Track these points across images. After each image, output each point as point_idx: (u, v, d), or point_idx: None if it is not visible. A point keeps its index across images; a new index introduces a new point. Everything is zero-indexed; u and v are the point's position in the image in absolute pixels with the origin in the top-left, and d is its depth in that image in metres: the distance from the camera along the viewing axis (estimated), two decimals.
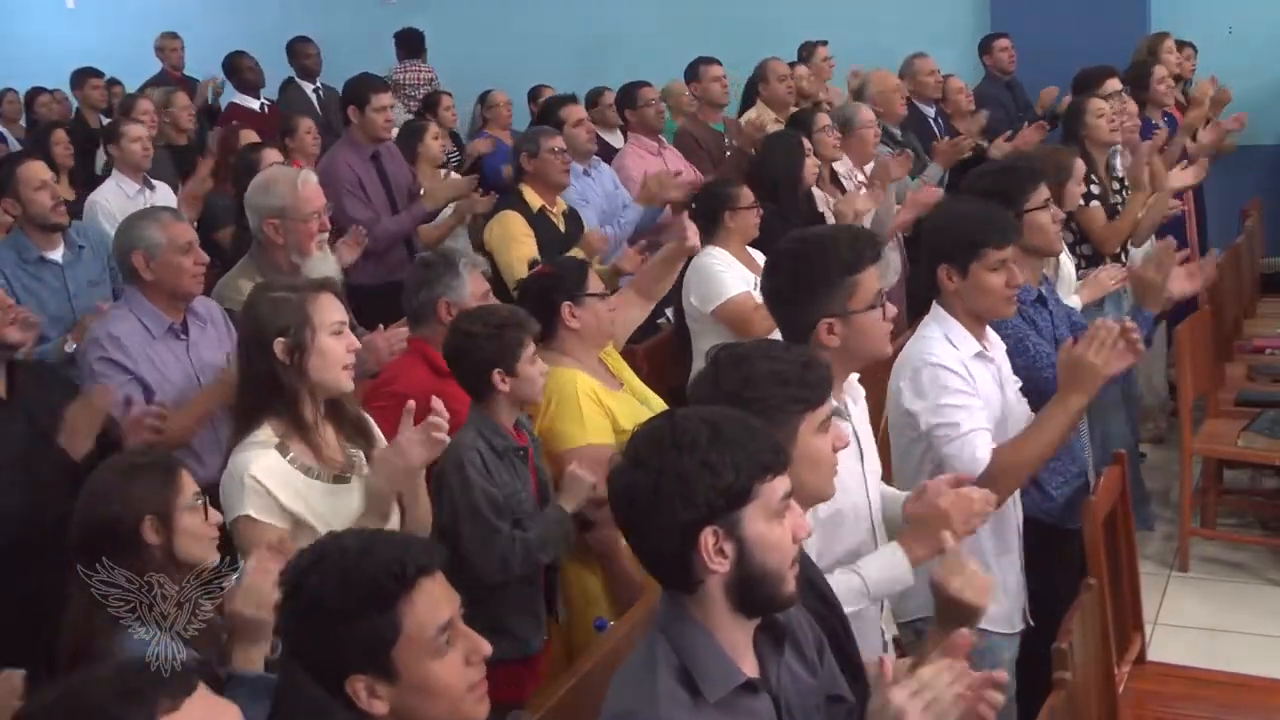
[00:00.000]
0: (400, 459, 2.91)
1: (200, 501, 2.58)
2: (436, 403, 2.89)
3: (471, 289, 3.79)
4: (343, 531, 2.06)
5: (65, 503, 3.19)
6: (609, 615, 3.51)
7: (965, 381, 3.08)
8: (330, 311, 2.97)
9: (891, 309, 2.90)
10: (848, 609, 2.47)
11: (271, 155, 5.31)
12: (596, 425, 3.53)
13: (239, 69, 8.67)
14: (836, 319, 2.79)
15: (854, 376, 2.94)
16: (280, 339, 2.91)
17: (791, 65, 7.74)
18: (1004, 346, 3.35)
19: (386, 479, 2.93)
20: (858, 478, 2.81)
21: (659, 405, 3.81)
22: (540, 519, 3.27)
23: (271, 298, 3.00)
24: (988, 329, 3.30)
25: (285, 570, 1.98)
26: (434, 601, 1.90)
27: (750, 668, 2.01)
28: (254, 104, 8.53)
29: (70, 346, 4.24)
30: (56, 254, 4.67)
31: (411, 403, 2.92)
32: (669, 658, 1.95)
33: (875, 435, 3.02)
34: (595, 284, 3.74)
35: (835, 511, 2.67)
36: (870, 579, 2.61)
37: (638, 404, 3.73)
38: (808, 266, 2.85)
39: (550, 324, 3.61)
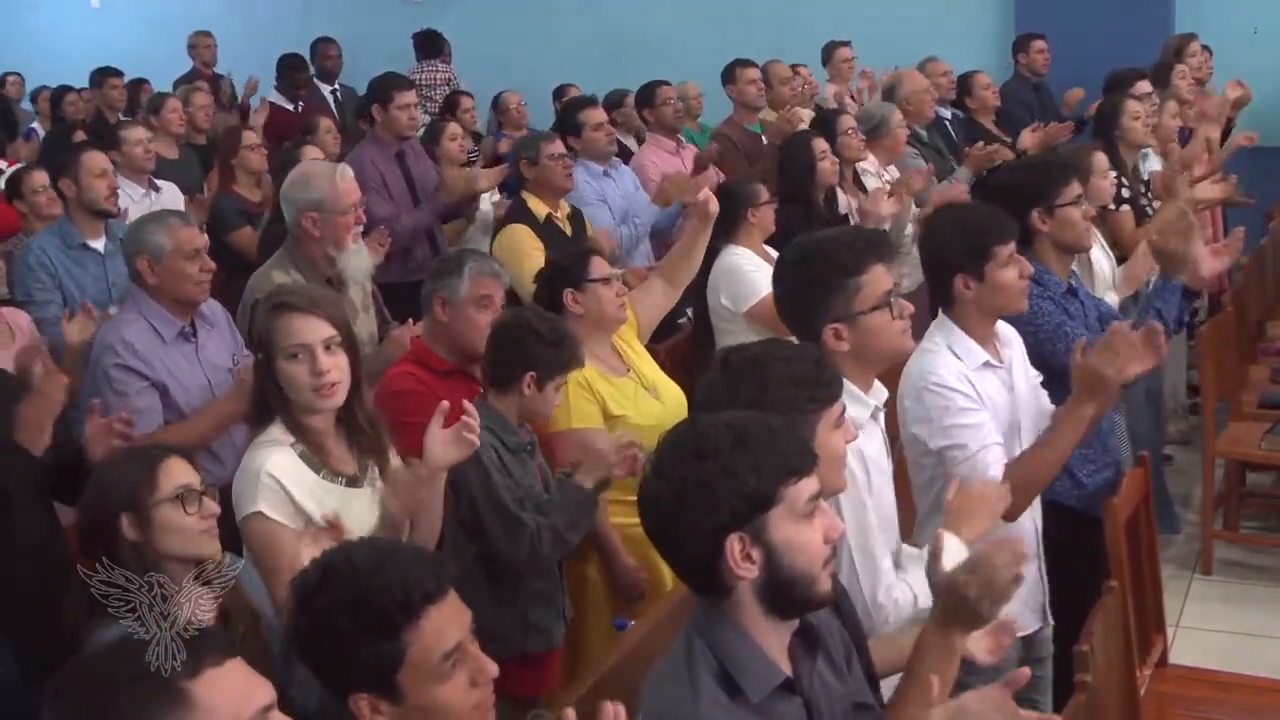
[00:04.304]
0: (417, 483, 2.86)
1: (184, 494, 2.54)
2: (469, 405, 2.87)
3: (467, 290, 3.65)
4: (353, 544, 2.04)
5: (37, 506, 3.21)
6: (615, 612, 3.56)
7: (969, 397, 3.06)
8: (286, 334, 2.88)
9: (908, 307, 2.86)
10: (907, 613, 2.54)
11: (312, 152, 5.37)
12: (582, 411, 3.61)
13: (291, 80, 8.75)
14: (842, 323, 2.76)
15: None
16: (261, 355, 2.95)
17: (795, 68, 7.76)
18: (1020, 343, 3.32)
19: (402, 501, 2.86)
20: (889, 477, 2.82)
21: (670, 394, 3.84)
22: (562, 501, 3.27)
23: (258, 312, 3.01)
24: (1000, 329, 3.29)
25: (294, 582, 1.97)
26: (440, 628, 1.89)
27: (785, 670, 2.00)
28: (289, 105, 8.63)
29: (115, 310, 4.28)
30: (99, 244, 4.84)
31: (445, 403, 2.89)
32: (707, 660, 1.96)
33: (891, 445, 3.03)
34: (598, 269, 3.76)
35: (884, 516, 2.70)
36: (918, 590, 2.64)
37: (641, 391, 3.77)
38: (809, 272, 2.82)
39: (558, 313, 3.66)
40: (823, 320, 2.76)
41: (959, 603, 2.16)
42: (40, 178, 5.33)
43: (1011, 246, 3.18)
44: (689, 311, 5.19)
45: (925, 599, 2.60)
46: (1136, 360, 3.01)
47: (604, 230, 5.47)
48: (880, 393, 2.91)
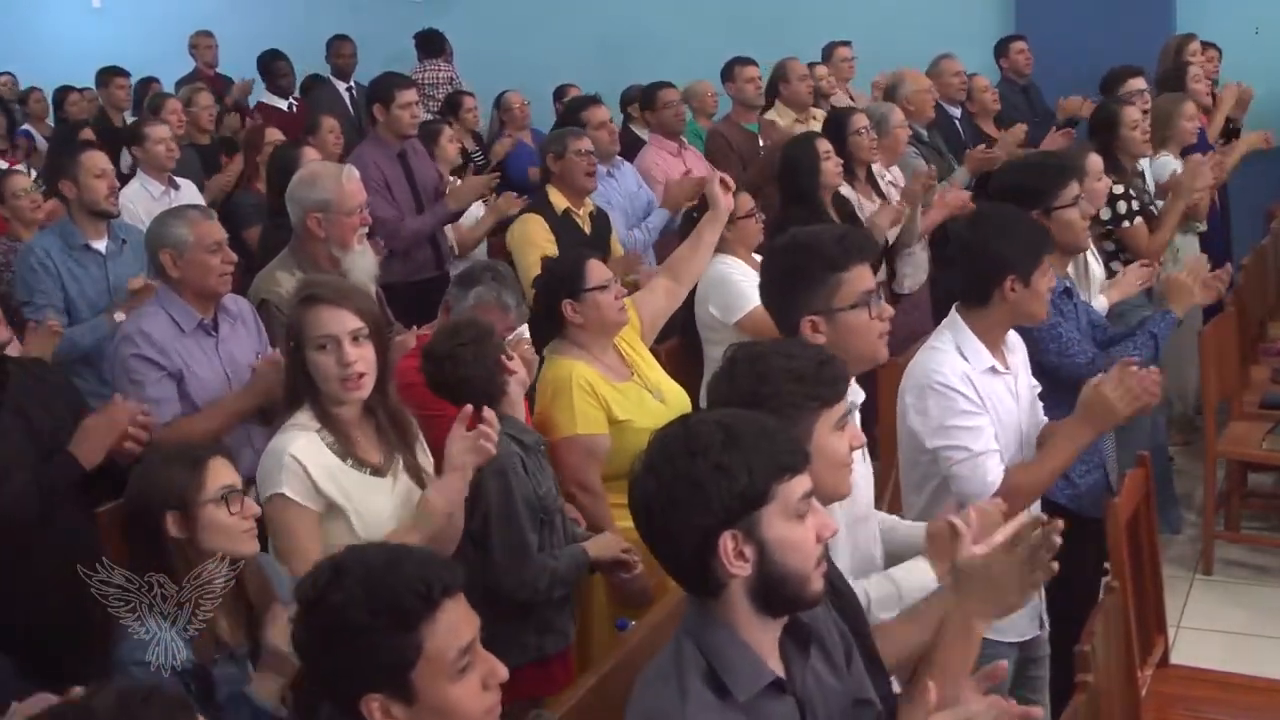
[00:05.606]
0: (445, 502, 2.92)
1: (228, 494, 2.58)
2: (489, 413, 2.90)
3: (465, 313, 3.70)
4: (361, 546, 2.03)
5: (69, 500, 3.24)
6: (619, 615, 3.55)
7: (972, 400, 3.06)
8: (314, 326, 2.96)
9: (887, 310, 2.88)
10: (885, 614, 2.49)
11: (310, 154, 5.38)
12: (587, 416, 3.60)
13: (272, 71, 8.78)
14: (820, 316, 2.79)
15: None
16: (293, 344, 3.01)
17: (811, 66, 7.75)
18: (1025, 352, 3.34)
19: (445, 497, 2.92)
20: (866, 478, 2.82)
21: (674, 395, 3.84)
22: (567, 556, 3.32)
23: (289, 307, 3.07)
24: (1008, 336, 3.28)
25: (300, 584, 1.94)
26: (456, 623, 1.87)
27: (776, 670, 2.00)
28: (282, 104, 8.66)
29: (119, 316, 4.28)
30: (101, 244, 4.83)
31: (469, 407, 2.95)
32: (696, 660, 1.96)
33: (878, 443, 3.03)
34: (595, 276, 3.73)
35: (855, 515, 2.68)
36: (903, 587, 2.62)
37: (645, 395, 3.76)
38: (794, 263, 2.86)
39: (558, 322, 3.68)
40: (802, 311, 2.80)
41: (988, 587, 2.16)
42: (22, 181, 5.28)
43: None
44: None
45: (877, 603, 2.59)
46: (1133, 401, 3.06)
47: (632, 253, 5.48)
48: (856, 394, 2.91)
